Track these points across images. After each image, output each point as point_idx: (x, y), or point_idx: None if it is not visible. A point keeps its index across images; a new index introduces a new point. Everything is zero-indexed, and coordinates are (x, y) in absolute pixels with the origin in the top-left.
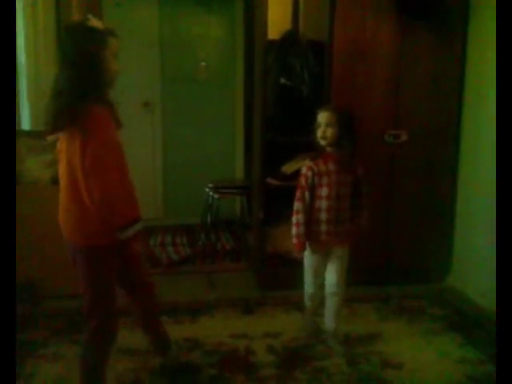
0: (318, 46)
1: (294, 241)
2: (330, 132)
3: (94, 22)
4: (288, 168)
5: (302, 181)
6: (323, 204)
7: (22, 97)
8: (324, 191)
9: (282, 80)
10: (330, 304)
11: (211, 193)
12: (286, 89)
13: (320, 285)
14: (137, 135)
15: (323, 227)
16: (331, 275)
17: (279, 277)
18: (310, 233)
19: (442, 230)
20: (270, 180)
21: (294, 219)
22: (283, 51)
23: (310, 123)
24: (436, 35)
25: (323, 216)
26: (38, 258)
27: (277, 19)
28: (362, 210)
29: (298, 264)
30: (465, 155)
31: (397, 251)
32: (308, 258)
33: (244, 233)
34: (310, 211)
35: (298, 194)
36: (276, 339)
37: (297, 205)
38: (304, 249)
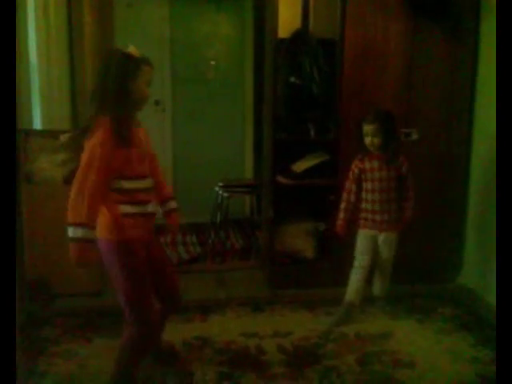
0: (328, 44)
1: (338, 223)
2: (377, 141)
3: (132, 50)
4: (298, 166)
5: (350, 175)
6: (369, 196)
7: (34, 96)
8: (369, 185)
9: (292, 79)
10: (382, 276)
11: (221, 191)
12: (295, 88)
13: (368, 268)
14: (147, 134)
15: (370, 216)
16: (384, 258)
17: (289, 275)
18: (360, 220)
19: (453, 230)
20: (280, 178)
21: (341, 205)
22: (293, 50)
23: (321, 122)
24: (448, 33)
25: (369, 206)
26: (51, 256)
27: (287, 18)
28: (408, 202)
29: (307, 262)
30: (477, 154)
31: (408, 250)
32: (359, 242)
33: (254, 231)
34: (359, 202)
35: (345, 185)
36: (286, 338)
37: (344, 195)
38: (343, 232)
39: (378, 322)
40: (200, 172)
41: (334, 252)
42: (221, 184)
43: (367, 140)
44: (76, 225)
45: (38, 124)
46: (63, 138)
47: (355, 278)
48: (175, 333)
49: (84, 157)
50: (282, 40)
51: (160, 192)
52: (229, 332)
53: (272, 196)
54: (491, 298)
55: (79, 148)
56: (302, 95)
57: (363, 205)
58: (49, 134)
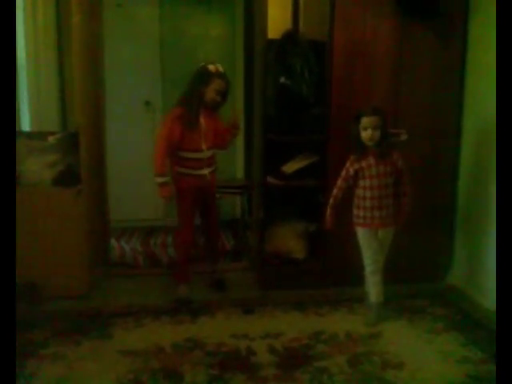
0: (318, 45)
1: (326, 218)
2: (377, 134)
3: (210, 67)
4: (288, 167)
5: (343, 173)
6: (368, 193)
7: (22, 98)
8: (367, 182)
9: (282, 79)
10: (375, 279)
11: None
12: (286, 88)
13: (379, 263)
14: (137, 134)
15: (369, 214)
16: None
17: (280, 276)
18: (360, 218)
19: (443, 230)
20: (270, 179)
21: (330, 201)
22: (283, 51)
23: (310, 123)
24: (436, 34)
25: (368, 203)
26: (39, 258)
27: (277, 18)
28: (406, 197)
29: (298, 263)
30: (465, 154)
31: (397, 251)
32: (362, 239)
33: (244, 232)
34: (356, 200)
35: (337, 182)
36: (277, 339)
37: (334, 191)
38: (332, 226)
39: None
40: None
41: (325, 253)
42: None
43: (366, 133)
44: (155, 175)
45: (26, 125)
46: (52, 139)
47: (375, 280)
48: (165, 334)
49: (159, 130)
50: (273, 41)
51: (223, 135)
52: (219, 334)
53: (262, 197)
54: (481, 297)
55: (68, 149)
56: (293, 96)
57: (362, 203)
58: (37, 135)
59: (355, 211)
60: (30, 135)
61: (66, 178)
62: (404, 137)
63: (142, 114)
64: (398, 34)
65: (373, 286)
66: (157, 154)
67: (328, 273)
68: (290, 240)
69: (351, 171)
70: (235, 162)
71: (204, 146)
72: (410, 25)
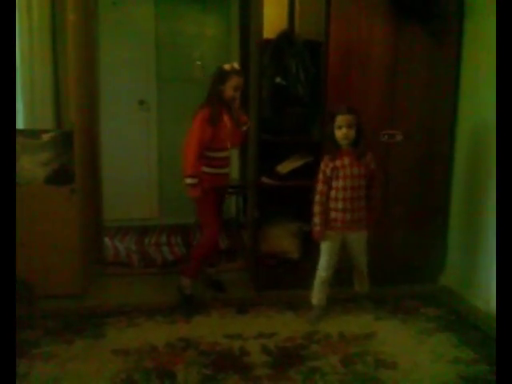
0: (314, 45)
1: (316, 229)
2: (351, 133)
3: (226, 66)
4: (283, 168)
5: (321, 176)
6: (340, 194)
7: (16, 95)
8: (340, 183)
9: (278, 80)
10: (361, 275)
11: None
12: (281, 88)
13: (332, 269)
14: (132, 133)
15: (340, 216)
16: (357, 258)
17: (274, 277)
18: (328, 220)
19: (436, 230)
20: (265, 179)
21: (313, 209)
22: (279, 51)
23: (306, 123)
24: (431, 35)
25: (340, 205)
26: (32, 257)
27: (273, 18)
28: (375, 201)
29: (292, 263)
30: (460, 155)
31: (391, 251)
32: (325, 244)
33: (239, 232)
34: (328, 201)
35: (317, 187)
36: (270, 339)
37: (317, 197)
38: (322, 238)
39: (362, 323)
40: None
41: (319, 253)
42: None
43: (341, 132)
44: (186, 176)
45: (20, 123)
46: (46, 137)
47: (323, 288)
48: (159, 334)
49: (189, 131)
50: (268, 41)
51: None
52: (213, 333)
53: (257, 197)
54: (474, 298)
55: (62, 148)
56: (288, 96)
57: (334, 204)
58: (31, 133)
59: (329, 214)
60: (23, 133)
61: (60, 176)
62: (399, 137)
63: (136, 112)
64: (394, 34)
65: (318, 292)
66: (189, 155)
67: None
68: (284, 240)
69: (328, 172)
70: (230, 162)
71: (229, 144)
72: (405, 25)
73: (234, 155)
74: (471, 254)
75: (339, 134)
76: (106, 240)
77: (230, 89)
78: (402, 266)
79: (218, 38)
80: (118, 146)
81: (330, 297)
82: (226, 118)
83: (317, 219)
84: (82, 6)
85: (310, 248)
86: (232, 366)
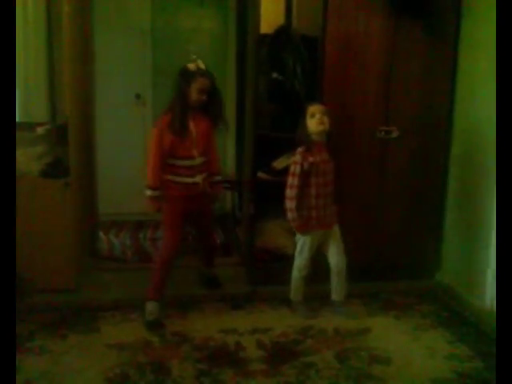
0: (311, 41)
1: (296, 224)
2: (326, 119)
3: (190, 65)
4: (279, 163)
5: (297, 169)
6: (313, 191)
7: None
8: (319, 179)
9: (275, 75)
10: (338, 279)
11: None
12: (278, 84)
13: (311, 258)
14: (127, 127)
15: (314, 213)
16: (334, 257)
17: (269, 272)
18: (303, 218)
19: (432, 226)
20: (260, 175)
21: (289, 204)
22: (276, 46)
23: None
24: (428, 32)
25: (320, 202)
26: (25, 251)
27: (270, 13)
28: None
29: (287, 259)
30: (456, 151)
31: (386, 247)
32: (305, 240)
33: (234, 228)
34: (307, 199)
35: (290, 181)
36: (265, 334)
37: (293, 192)
38: (307, 228)
39: (356, 319)
40: None
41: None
42: None
43: (315, 120)
44: (146, 187)
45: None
46: (40, 130)
47: (301, 284)
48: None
49: (149, 142)
50: (265, 36)
51: (209, 167)
52: (208, 328)
53: (253, 192)
54: (469, 295)
55: (56, 141)
56: (285, 91)
57: (313, 202)
58: (25, 126)
59: (307, 212)
60: (18, 126)
61: (54, 169)
62: (395, 134)
63: (132, 106)
64: (391, 30)
65: (296, 289)
66: (150, 166)
67: (317, 269)
68: (279, 236)
69: (306, 166)
70: (226, 157)
71: (196, 153)
72: (402, 21)
73: (230, 150)
74: (467, 251)
75: (314, 122)
76: (101, 234)
77: (195, 91)
78: (398, 262)
79: (214, 32)
80: (113, 140)
81: (325, 292)
82: (192, 124)
83: (295, 214)
84: None
85: None
86: (227, 360)
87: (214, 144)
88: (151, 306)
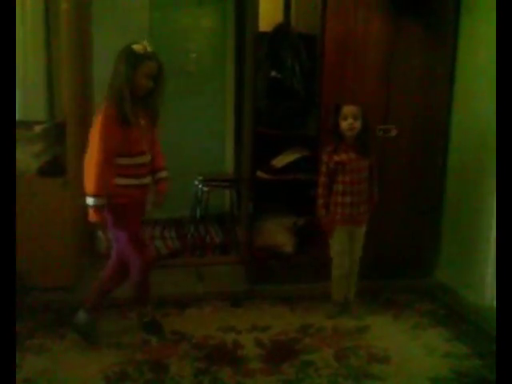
0: (310, 39)
1: (322, 221)
2: (357, 124)
3: (136, 47)
4: (278, 162)
5: (323, 169)
6: (348, 189)
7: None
8: (348, 177)
9: (273, 73)
10: (352, 276)
11: (200, 186)
12: (276, 82)
13: (347, 265)
14: None
15: (347, 210)
16: (349, 258)
17: (268, 270)
18: (338, 214)
19: (431, 225)
20: (259, 173)
21: (318, 202)
22: (274, 44)
23: (301, 117)
24: (427, 31)
25: (348, 199)
26: (24, 249)
27: (268, 11)
28: (375, 189)
29: (286, 258)
30: (454, 151)
31: (385, 246)
32: (337, 238)
33: (233, 226)
34: (334, 196)
35: (320, 180)
36: (264, 333)
37: (319, 190)
38: (332, 226)
39: (355, 317)
40: (180, 165)
41: (314, 247)
42: (200, 178)
43: (347, 123)
44: (89, 195)
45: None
46: (38, 128)
47: (340, 279)
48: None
49: (90, 138)
50: (264, 34)
51: (153, 162)
52: (207, 327)
53: (251, 191)
54: (467, 293)
55: (54, 139)
56: (283, 89)
57: (341, 199)
58: (23, 124)
59: (333, 208)
60: (16, 124)
61: (52, 168)
62: (394, 132)
63: None
64: (390, 28)
65: (337, 287)
66: (93, 169)
67: (316, 267)
68: (278, 234)
69: (331, 165)
70: (225, 155)
71: (146, 147)
72: (401, 20)
73: (229, 148)
74: (465, 249)
75: (344, 124)
76: (99, 233)
77: (142, 77)
78: (396, 261)
79: (213, 30)
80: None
81: (325, 292)
82: (139, 113)
83: (322, 211)
84: None
85: (304, 243)
86: (225, 359)
87: (157, 136)
88: (83, 315)
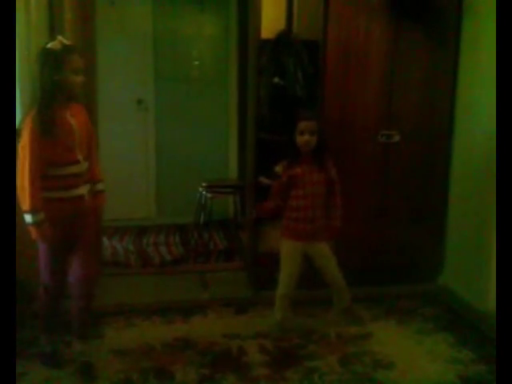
0: (312, 45)
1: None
2: (314, 140)
3: (53, 45)
4: (281, 168)
5: (276, 184)
6: (301, 203)
7: (16, 96)
8: (300, 191)
9: (276, 79)
10: (338, 291)
11: (204, 192)
12: (279, 88)
13: (294, 285)
14: (130, 133)
15: (301, 226)
16: (327, 276)
17: (272, 276)
18: (289, 229)
19: (434, 230)
20: (262, 179)
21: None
22: (277, 50)
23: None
24: (429, 35)
25: (301, 214)
26: (29, 256)
27: (271, 18)
28: (337, 210)
29: None
30: (458, 155)
31: (389, 250)
32: (286, 253)
33: (237, 232)
34: (288, 212)
35: (272, 193)
36: (268, 339)
37: (268, 203)
38: (282, 235)
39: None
40: (183, 172)
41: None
42: (204, 184)
43: (303, 139)
44: (27, 213)
45: (17, 123)
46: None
47: (283, 299)
48: (156, 334)
49: (19, 152)
50: (266, 41)
51: (90, 174)
52: (211, 333)
53: (255, 197)
54: (471, 298)
55: None
56: (286, 96)
57: (294, 214)
58: None
59: (285, 222)
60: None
61: None
62: (396, 138)
63: (134, 112)
64: (392, 34)
65: (279, 308)
66: (25, 182)
67: (319, 273)
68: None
69: (284, 180)
70: (228, 162)
71: (80, 155)
72: (403, 25)
73: (232, 154)
74: (469, 254)
75: (301, 140)
76: (104, 240)
77: (72, 73)
78: (400, 266)
79: (216, 37)
80: (115, 146)
81: (326, 297)
82: (69, 117)
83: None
84: (79, 5)
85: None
86: (230, 365)
87: (95, 143)
88: (45, 339)
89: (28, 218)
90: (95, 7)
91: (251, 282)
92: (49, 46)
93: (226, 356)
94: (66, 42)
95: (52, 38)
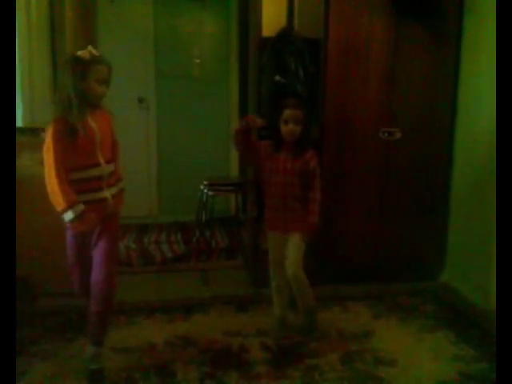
0: (313, 43)
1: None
2: (297, 130)
3: (82, 54)
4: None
5: (261, 147)
6: (272, 191)
7: (16, 94)
8: (272, 178)
9: (277, 77)
10: (294, 290)
11: (206, 190)
12: (280, 86)
13: (282, 276)
14: (131, 131)
15: (274, 213)
16: (288, 267)
17: None
18: (267, 220)
19: (436, 227)
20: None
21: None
22: (278, 49)
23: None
24: (430, 33)
25: (273, 202)
26: (31, 255)
27: (272, 16)
28: (313, 204)
29: None
30: (459, 152)
31: (390, 248)
32: (268, 248)
33: (238, 230)
34: (267, 197)
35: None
36: (269, 337)
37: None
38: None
39: (360, 321)
40: (185, 170)
41: (319, 251)
42: (206, 182)
43: (287, 128)
44: (65, 211)
45: (19, 122)
46: (44, 135)
47: (275, 293)
48: (157, 332)
49: (44, 155)
50: (267, 39)
51: (114, 177)
52: (212, 331)
53: (256, 195)
54: (473, 295)
55: None
56: (287, 94)
57: (269, 201)
58: (30, 131)
59: (265, 210)
60: (22, 131)
61: None
62: (398, 135)
63: (135, 110)
64: (393, 31)
65: (275, 301)
66: (54, 185)
67: (321, 271)
68: None
69: (269, 150)
70: (230, 159)
71: (102, 159)
72: (404, 23)
73: (234, 152)
74: (471, 252)
75: (285, 129)
76: None
77: (96, 83)
78: (402, 263)
79: (216, 35)
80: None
81: (328, 295)
82: (92, 123)
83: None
84: (80, 3)
85: (309, 246)
86: (231, 363)
87: (117, 145)
88: (92, 353)
89: (69, 214)
90: (96, 5)
91: (252, 280)
92: (78, 54)
93: (227, 354)
94: (95, 52)
95: (82, 47)
